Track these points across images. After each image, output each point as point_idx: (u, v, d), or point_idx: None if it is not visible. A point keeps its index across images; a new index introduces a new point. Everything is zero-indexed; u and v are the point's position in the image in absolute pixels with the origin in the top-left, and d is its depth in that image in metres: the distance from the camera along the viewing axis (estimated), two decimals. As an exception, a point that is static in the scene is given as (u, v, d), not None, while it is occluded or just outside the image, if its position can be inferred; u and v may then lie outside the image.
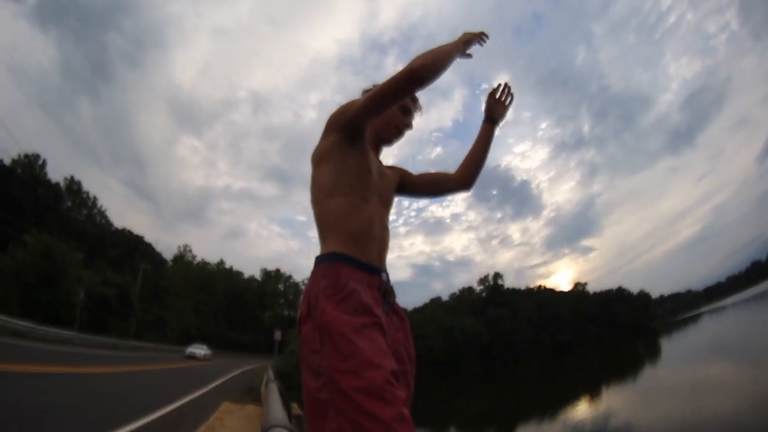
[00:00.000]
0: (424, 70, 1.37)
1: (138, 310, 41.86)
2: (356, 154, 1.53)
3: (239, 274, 71.51)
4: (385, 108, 1.51)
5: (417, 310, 47.16)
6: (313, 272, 1.42)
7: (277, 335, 29.71)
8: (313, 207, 1.55)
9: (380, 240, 1.54)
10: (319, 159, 1.56)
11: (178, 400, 8.48)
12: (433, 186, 1.94)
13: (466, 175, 1.91)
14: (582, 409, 29.29)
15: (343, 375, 1.17)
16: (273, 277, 73.64)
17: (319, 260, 1.44)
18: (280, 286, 73.26)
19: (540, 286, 69.54)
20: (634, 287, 74.38)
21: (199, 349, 30.72)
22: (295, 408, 9.99)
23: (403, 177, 1.86)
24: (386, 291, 1.48)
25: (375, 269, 1.46)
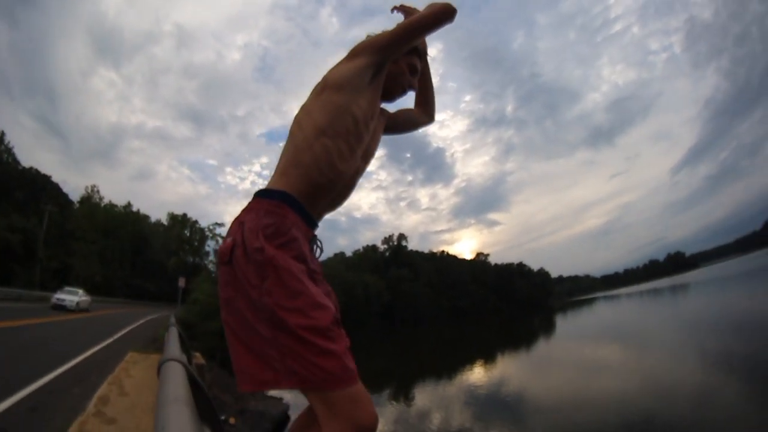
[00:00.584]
0: (452, 8, 1.45)
1: (43, 258, 39.50)
2: (370, 93, 1.51)
3: (146, 218, 68.68)
4: (416, 39, 1.54)
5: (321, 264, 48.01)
6: (254, 205, 1.34)
7: (182, 282, 28.14)
8: (292, 137, 1.46)
9: (336, 196, 1.50)
10: (335, 83, 1.46)
11: (84, 352, 8.67)
12: (409, 124, 1.92)
13: (428, 109, 1.93)
14: (477, 373, 30.67)
15: (290, 313, 1.16)
16: (179, 221, 70.82)
17: (265, 195, 1.37)
18: (186, 232, 70.71)
19: (443, 251, 70.73)
20: (534, 265, 79.08)
21: (71, 296, 22.95)
22: (198, 357, 11.47)
23: (389, 120, 1.80)
24: (316, 245, 1.48)
25: (314, 222, 1.43)
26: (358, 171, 1.56)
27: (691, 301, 64.54)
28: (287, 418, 15.26)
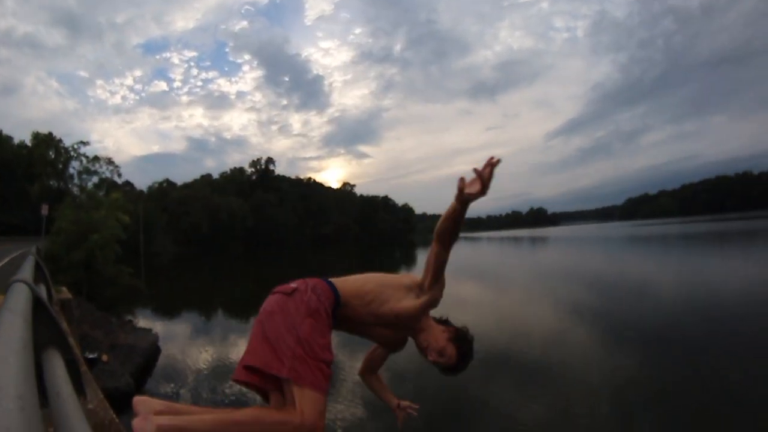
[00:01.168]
0: (445, 235, 1.94)
1: None
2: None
3: (9, 139, 57.86)
4: (441, 274, 2.09)
5: (186, 185, 44.61)
6: (323, 284, 1.94)
7: (44, 210, 24.26)
8: (367, 300, 2.07)
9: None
10: (407, 317, 2.12)
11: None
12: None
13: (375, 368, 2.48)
14: None
15: (317, 344, 1.71)
16: (44, 141, 59.89)
17: (332, 286, 1.97)
18: (51, 153, 60.13)
19: (310, 178, 70.92)
20: (400, 200, 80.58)
21: None
22: (64, 292, 10.53)
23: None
24: None
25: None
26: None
27: (549, 253, 67.53)
28: (158, 350, 14.96)
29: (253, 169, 62.26)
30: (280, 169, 65.32)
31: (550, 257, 61.00)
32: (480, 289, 35.26)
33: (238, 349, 18.22)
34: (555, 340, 21.76)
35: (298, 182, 68.56)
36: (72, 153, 56.50)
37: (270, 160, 63.92)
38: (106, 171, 47.73)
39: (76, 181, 53.32)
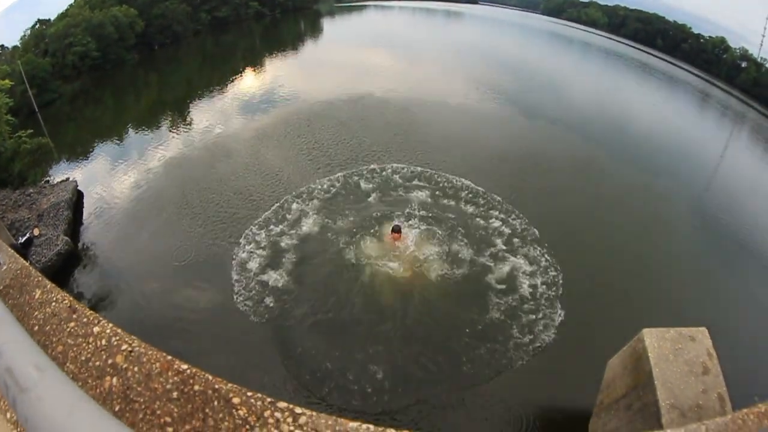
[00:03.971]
0: None
1: None
2: None
3: None
4: None
5: (62, 15, 40.30)
6: None
7: None
8: None
9: None
10: None
11: None
12: None
13: None
14: (248, 82, 32.86)
15: None
16: None
17: None
18: None
19: None
20: None
21: None
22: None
23: None
24: None
25: None
26: None
27: (464, 30, 65.74)
28: (80, 194, 17.65)
29: None
30: None
31: (467, 34, 60.72)
32: (392, 58, 37.51)
33: (158, 158, 20.40)
34: (469, 109, 25.40)
35: (186, -34, 60.96)
36: None
37: (150, -49, 54.61)
38: (-35, 44, 42.09)
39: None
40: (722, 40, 59.56)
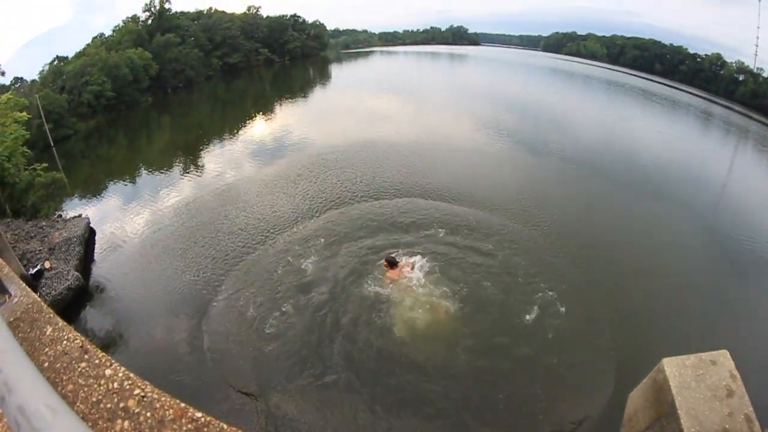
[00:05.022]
0: None
1: None
2: None
3: None
4: None
5: (80, 54, 41.78)
6: None
7: None
8: None
9: None
10: None
11: None
12: None
13: None
14: (259, 127, 33.24)
15: None
16: None
17: None
18: None
19: (211, 8, 65.99)
20: (310, 17, 76.78)
21: None
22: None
23: None
24: None
25: None
26: None
27: (468, 71, 68.50)
28: (92, 232, 17.39)
29: (147, 14, 56.93)
30: (177, 5, 60.06)
31: (471, 75, 62.09)
32: (400, 103, 37.81)
33: (168, 199, 20.20)
34: (477, 150, 25.37)
35: (199, 15, 63.80)
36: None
37: (164, -1, 58.60)
38: (-16, 76, 42.10)
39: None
40: (718, 57, 60.59)
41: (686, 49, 66.42)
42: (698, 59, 63.91)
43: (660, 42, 70.93)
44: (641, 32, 73.61)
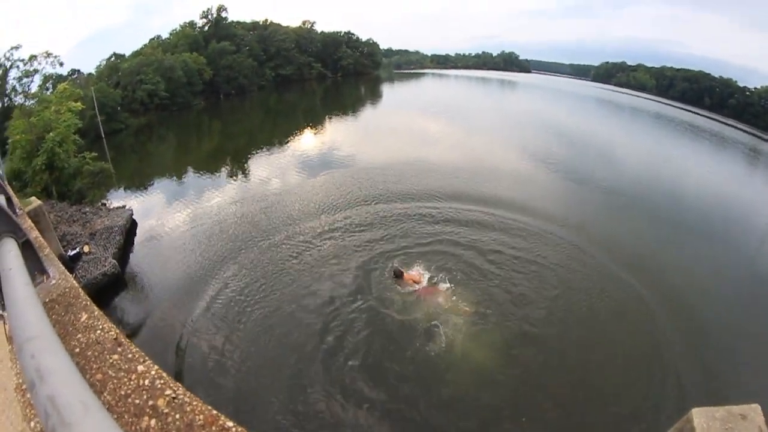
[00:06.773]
0: None
1: None
2: None
3: None
4: None
5: (136, 53, 43.09)
6: None
7: None
8: None
9: None
10: None
11: None
12: None
13: None
14: (307, 140, 32.85)
15: None
16: None
17: None
18: None
19: (266, 20, 67.18)
20: (364, 35, 77.92)
21: None
22: (34, 200, 11.82)
23: None
24: None
25: None
26: None
27: (518, 98, 66.93)
28: (134, 223, 17.31)
29: (204, 20, 58.93)
30: (233, 15, 61.65)
31: (520, 102, 61.42)
32: (450, 126, 37.19)
33: (211, 200, 20.04)
34: (522, 177, 24.41)
35: (255, 26, 65.24)
36: (5, 62, 49.01)
37: (222, 8, 60.19)
38: (46, 66, 40.85)
39: (19, 89, 46.73)
40: (767, 90, 58.50)
41: (735, 81, 64.70)
42: (747, 93, 62.08)
43: (709, 74, 69.45)
44: (683, 62, 71.92)
